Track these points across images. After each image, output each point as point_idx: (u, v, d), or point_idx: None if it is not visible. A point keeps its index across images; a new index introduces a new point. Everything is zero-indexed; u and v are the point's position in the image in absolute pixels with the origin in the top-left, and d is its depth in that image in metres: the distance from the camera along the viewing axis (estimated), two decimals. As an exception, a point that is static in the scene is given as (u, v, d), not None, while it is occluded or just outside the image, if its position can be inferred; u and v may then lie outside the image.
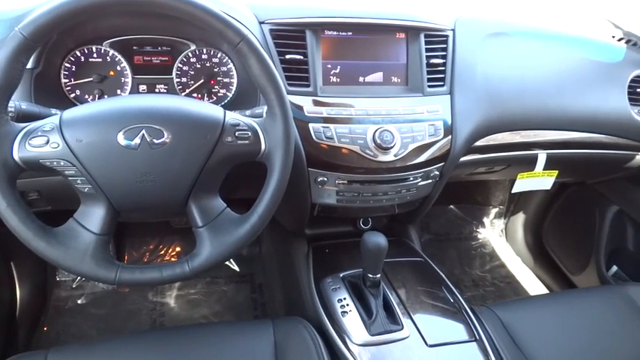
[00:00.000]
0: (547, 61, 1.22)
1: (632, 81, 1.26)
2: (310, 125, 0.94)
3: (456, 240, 1.98)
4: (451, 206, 2.01)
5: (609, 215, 1.57)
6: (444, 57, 1.07)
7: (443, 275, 1.11)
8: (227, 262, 1.75)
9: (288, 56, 0.97)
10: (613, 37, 1.36)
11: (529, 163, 1.25)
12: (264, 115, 0.76)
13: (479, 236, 2.01)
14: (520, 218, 1.93)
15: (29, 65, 0.86)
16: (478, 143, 1.12)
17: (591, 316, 1.10)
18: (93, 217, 0.70)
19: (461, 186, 1.80)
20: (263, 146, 0.73)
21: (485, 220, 2.03)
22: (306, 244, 1.23)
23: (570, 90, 1.21)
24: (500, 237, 2.01)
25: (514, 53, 1.19)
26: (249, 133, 0.73)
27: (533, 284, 1.81)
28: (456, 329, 0.95)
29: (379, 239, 0.89)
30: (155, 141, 0.68)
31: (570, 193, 1.72)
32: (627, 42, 1.34)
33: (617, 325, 1.09)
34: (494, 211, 2.01)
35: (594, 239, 1.60)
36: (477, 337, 0.93)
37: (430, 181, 1.07)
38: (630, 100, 1.25)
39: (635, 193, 1.48)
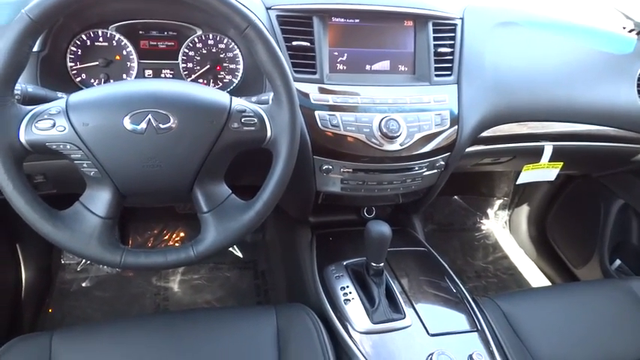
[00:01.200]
0: (556, 52, 1.21)
1: None
2: (316, 113, 0.94)
3: (459, 230, 1.98)
4: (455, 197, 2.01)
5: (614, 209, 1.56)
6: (452, 46, 1.06)
7: (446, 265, 1.11)
8: (231, 249, 1.76)
9: (294, 43, 0.96)
10: (624, 28, 1.34)
11: (535, 155, 1.24)
12: (270, 101, 0.76)
13: (482, 227, 2.01)
14: (524, 210, 1.92)
15: (35, 48, 0.86)
16: (485, 134, 1.11)
17: (593, 309, 1.11)
18: (99, 201, 0.70)
19: (465, 177, 1.79)
20: (269, 133, 0.73)
21: (490, 211, 2.03)
22: (310, 231, 1.23)
23: (579, 81, 1.20)
24: (503, 228, 2.01)
25: (523, 43, 1.18)
26: (255, 120, 0.73)
27: (535, 276, 1.81)
28: (457, 319, 0.95)
29: (383, 228, 0.89)
30: (161, 126, 0.68)
31: (575, 186, 1.72)
32: (638, 33, 1.32)
33: (619, 318, 1.09)
34: (498, 202, 2.00)
35: (598, 232, 1.60)
36: (479, 328, 0.94)
37: (435, 171, 1.07)
38: (640, 92, 1.24)
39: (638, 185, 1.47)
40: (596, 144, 1.27)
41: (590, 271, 1.62)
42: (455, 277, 1.07)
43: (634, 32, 1.33)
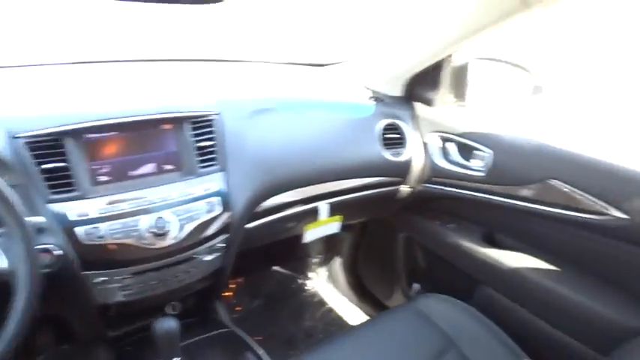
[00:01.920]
0: (311, 126, 1.40)
1: (383, 129, 1.51)
2: (77, 229, 0.93)
3: (287, 298, 2.06)
4: (277, 267, 2.11)
5: (401, 241, 1.80)
6: (212, 139, 1.13)
7: (249, 339, 1.16)
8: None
9: (47, 165, 0.94)
10: (363, 96, 1.61)
11: (315, 215, 1.40)
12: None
13: (307, 287, 2.12)
14: (338, 262, 2.10)
15: None
16: (260, 209, 1.23)
17: (391, 337, 1.25)
18: None
19: (280, 245, 1.89)
20: (3, 266, 0.72)
21: (310, 271, 2.16)
22: (108, 348, 1.18)
23: (333, 147, 1.40)
24: (326, 284, 2.15)
25: (281, 125, 1.34)
26: None
27: (359, 321, 1.95)
28: None
29: (167, 324, 0.91)
30: None
31: (370, 229, 1.94)
32: (376, 99, 1.61)
33: (412, 339, 1.25)
34: (315, 260, 2.15)
35: (394, 265, 1.82)
36: None
37: (218, 254, 1.13)
38: (384, 145, 1.49)
39: (413, 219, 1.72)
40: (363, 193, 1.48)
41: (397, 301, 1.82)
42: (259, 349, 1.12)
43: (372, 99, 1.61)
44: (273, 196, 1.25)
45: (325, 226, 1.44)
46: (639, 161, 1.20)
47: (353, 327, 1.37)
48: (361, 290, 2.02)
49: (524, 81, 1.58)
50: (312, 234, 1.43)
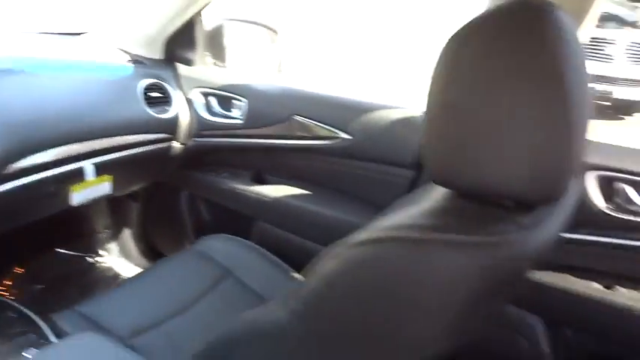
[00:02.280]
0: (64, 87, 1.37)
1: (145, 88, 1.56)
2: None
3: (76, 278, 1.96)
4: (60, 249, 1.99)
5: (184, 199, 1.88)
6: None
7: (9, 300, 1.12)
8: None
9: None
10: (122, 59, 1.62)
11: (82, 176, 1.38)
12: None
13: (97, 265, 2.05)
14: (128, 232, 2.07)
15: None
16: (12, 169, 1.18)
17: (169, 277, 1.33)
18: None
19: (61, 224, 1.80)
20: None
21: (100, 248, 2.09)
22: None
23: (89, 105, 1.39)
24: (118, 257, 2.10)
25: (29, 85, 1.29)
26: None
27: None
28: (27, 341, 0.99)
29: None
30: None
31: (155, 194, 1.96)
32: (135, 62, 1.64)
33: (190, 275, 1.35)
34: (103, 237, 2.09)
35: (182, 224, 1.89)
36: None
37: None
38: (147, 103, 1.54)
39: (192, 176, 1.82)
40: (133, 151, 1.51)
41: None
42: (25, 309, 1.09)
43: (131, 61, 1.63)
44: (25, 156, 1.20)
45: (94, 187, 1.43)
46: (356, 92, 1.49)
47: (130, 277, 1.41)
48: (155, 256, 2.04)
49: (271, 39, 1.80)
50: (80, 196, 1.40)
